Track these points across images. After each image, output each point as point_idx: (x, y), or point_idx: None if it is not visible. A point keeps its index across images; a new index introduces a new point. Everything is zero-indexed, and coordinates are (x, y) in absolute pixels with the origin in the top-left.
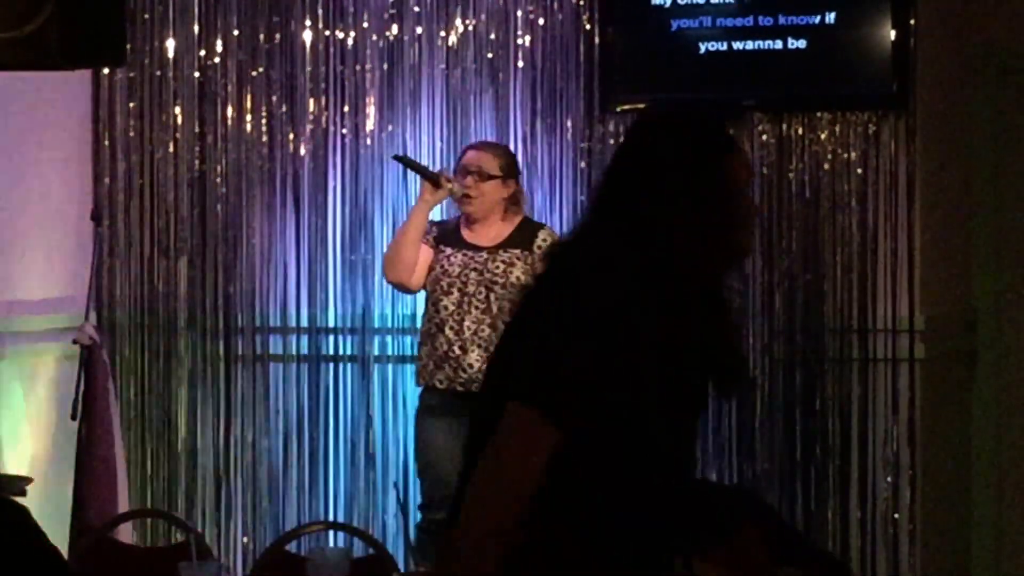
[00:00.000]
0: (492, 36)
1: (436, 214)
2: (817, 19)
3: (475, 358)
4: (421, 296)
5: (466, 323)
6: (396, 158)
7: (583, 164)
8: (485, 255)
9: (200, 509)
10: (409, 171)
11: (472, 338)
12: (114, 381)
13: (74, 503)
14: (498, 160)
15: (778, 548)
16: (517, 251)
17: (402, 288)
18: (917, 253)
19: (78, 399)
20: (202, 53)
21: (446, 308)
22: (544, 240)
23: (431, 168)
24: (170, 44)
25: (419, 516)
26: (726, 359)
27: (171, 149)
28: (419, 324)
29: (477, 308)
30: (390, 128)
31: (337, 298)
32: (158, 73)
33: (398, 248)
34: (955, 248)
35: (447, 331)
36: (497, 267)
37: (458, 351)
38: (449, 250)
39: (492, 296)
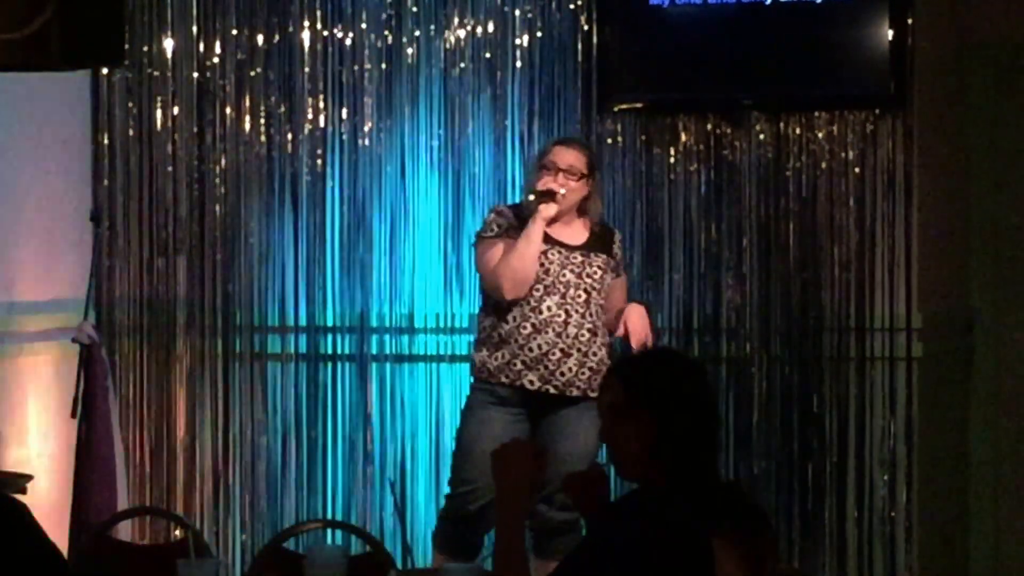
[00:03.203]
0: (490, 36)
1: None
2: (815, 19)
3: (574, 363)
4: (420, 296)
5: (570, 327)
6: (534, 193)
7: None
8: (580, 257)
9: (198, 507)
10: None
11: (573, 343)
12: (113, 379)
13: (73, 501)
14: (586, 158)
15: None
16: (604, 255)
17: (516, 300)
18: (914, 252)
19: (77, 397)
20: (201, 53)
21: (549, 309)
22: (619, 247)
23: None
24: (169, 45)
25: (443, 503)
26: None
27: (170, 149)
28: (417, 323)
29: (577, 312)
30: (388, 128)
31: (335, 297)
32: (157, 74)
33: (524, 268)
34: (952, 247)
35: (549, 333)
36: (595, 272)
37: (559, 354)
38: (543, 246)
39: (591, 300)
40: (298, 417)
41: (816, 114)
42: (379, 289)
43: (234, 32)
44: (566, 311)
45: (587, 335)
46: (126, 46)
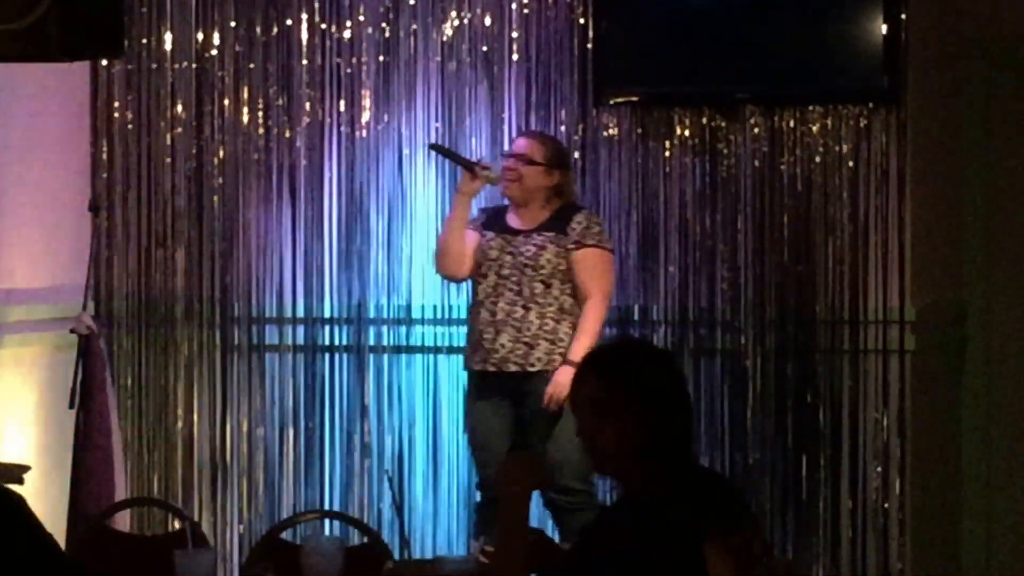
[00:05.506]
0: (487, 29)
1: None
2: (809, 13)
3: (506, 339)
4: (417, 288)
5: (500, 305)
6: (433, 147)
7: (577, 156)
8: (520, 238)
9: (196, 497)
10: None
11: (505, 320)
12: (111, 370)
13: (71, 491)
14: (544, 148)
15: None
16: (551, 234)
17: (453, 280)
18: (908, 245)
19: (76, 388)
20: (199, 45)
21: (484, 291)
22: (579, 223)
23: (470, 158)
24: (167, 37)
25: (478, 495)
26: None
27: (168, 141)
28: (414, 315)
29: (511, 290)
30: (386, 120)
31: (333, 289)
32: (155, 65)
33: (445, 241)
34: (945, 240)
35: (483, 313)
36: (528, 250)
37: (492, 332)
38: (490, 234)
39: (524, 279)
40: (296, 408)
41: (810, 108)
42: (376, 281)
43: (232, 24)
44: (497, 290)
45: (520, 311)
46: (125, 38)
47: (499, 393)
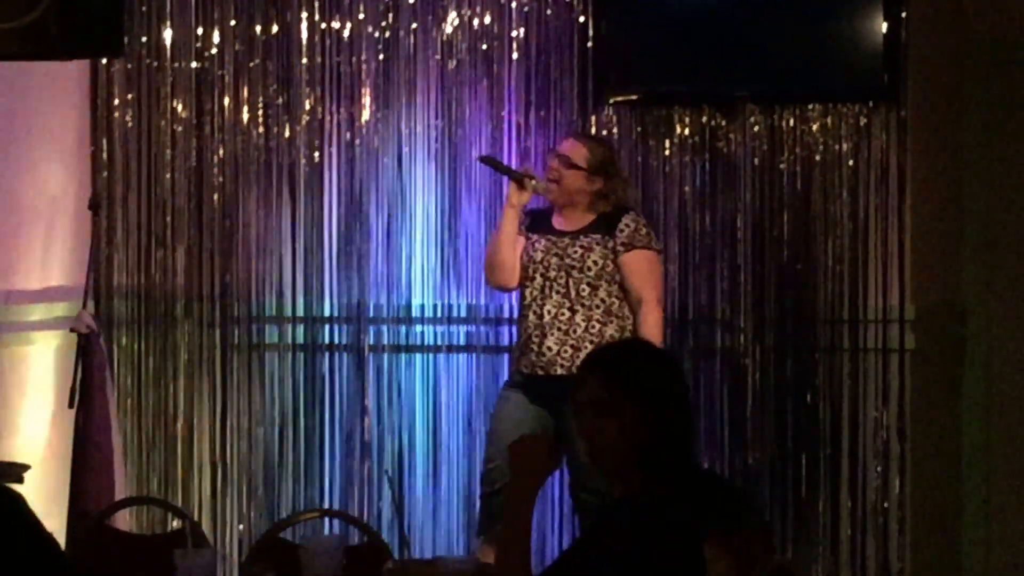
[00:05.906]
0: (487, 28)
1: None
2: (809, 12)
3: (553, 342)
4: (418, 287)
5: (547, 308)
6: (482, 159)
7: None
8: (567, 240)
9: (196, 496)
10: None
11: (552, 322)
12: (111, 369)
13: (71, 490)
14: (587, 153)
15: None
16: (598, 236)
17: (504, 290)
18: (908, 244)
19: (75, 387)
20: (199, 44)
21: (531, 294)
22: (627, 225)
23: (516, 168)
24: (168, 35)
25: (479, 490)
26: None
27: (168, 139)
28: (414, 314)
29: (558, 292)
30: (386, 119)
31: (332, 287)
32: (156, 64)
33: (495, 253)
34: (945, 239)
35: (530, 316)
36: (575, 251)
37: (538, 335)
38: (535, 236)
39: (571, 281)
40: (295, 407)
41: (810, 107)
42: (376, 279)
43: (232, 23)
44: (544, 292)
45: (567, 313)
46: (125, 36)
47: (540, 398)
